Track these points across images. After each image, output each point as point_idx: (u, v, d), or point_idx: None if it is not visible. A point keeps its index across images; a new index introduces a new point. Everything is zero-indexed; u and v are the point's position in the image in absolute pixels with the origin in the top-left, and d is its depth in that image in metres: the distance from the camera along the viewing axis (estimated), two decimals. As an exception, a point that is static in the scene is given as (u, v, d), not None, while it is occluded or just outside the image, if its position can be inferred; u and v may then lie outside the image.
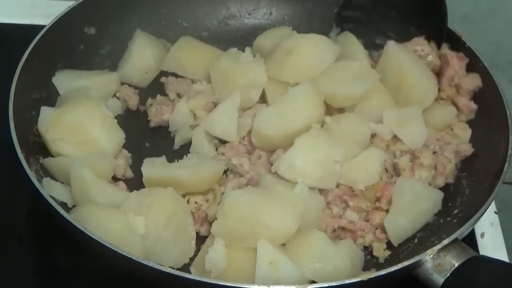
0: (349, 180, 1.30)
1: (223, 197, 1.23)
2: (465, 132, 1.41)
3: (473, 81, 1.43)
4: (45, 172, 1.31)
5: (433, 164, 1.34)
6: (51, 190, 1.26)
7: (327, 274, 1.15)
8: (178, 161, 1.36)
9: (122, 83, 1.55)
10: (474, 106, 1.43)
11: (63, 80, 1.47)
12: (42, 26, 1.44)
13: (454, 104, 1.45)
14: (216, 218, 1.20)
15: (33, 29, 1.45)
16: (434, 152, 1.36)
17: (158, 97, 1.52)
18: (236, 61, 1.45)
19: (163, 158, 1.37)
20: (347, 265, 1.18)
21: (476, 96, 1.44)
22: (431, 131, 1.39)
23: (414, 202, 1.28)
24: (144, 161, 1.34)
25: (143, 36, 1.58)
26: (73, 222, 1.11)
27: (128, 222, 1.19)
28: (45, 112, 1.35)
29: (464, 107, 1.43)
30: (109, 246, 1.08)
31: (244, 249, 1.18)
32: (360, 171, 1.30)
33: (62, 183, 1.30)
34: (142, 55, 1.56)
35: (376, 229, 1.29)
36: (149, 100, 1.52)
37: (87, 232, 1.10)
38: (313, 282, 1.15)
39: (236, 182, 1.34)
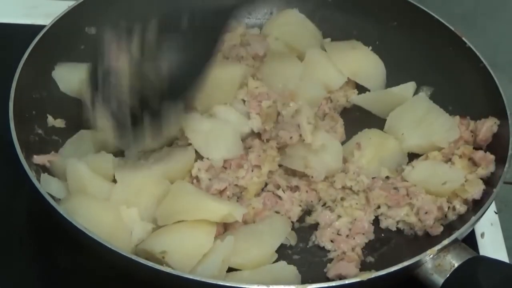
0: None
1: None
2: (477, 188, 1.29)
3: (489, 130, 1.36)
4: (45, 172, 1.31)
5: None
6: (48, 187, 1.26)
7: (251, 258, 1.20)
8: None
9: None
10: (491, 157, 1.33)
11: (63, 74, 1.46)
12: (42, 26, 1.44)
13: (470, 159, 1.35)
14: None
15: (33, 29, 1.44)
16: None
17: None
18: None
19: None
20: (270, 252, 1.24)
21: (476, 96, 1.45)
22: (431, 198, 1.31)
23: None
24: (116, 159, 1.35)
25: None
26: (64, 215, 1.11)
27: (120, 214, 1.21)
28: None
29: (481, 160, 1.33)
30: (100, 241, 1.08)
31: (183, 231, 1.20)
32: None
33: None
34: None
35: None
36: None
37: (77, 226, 1.09)
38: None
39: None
